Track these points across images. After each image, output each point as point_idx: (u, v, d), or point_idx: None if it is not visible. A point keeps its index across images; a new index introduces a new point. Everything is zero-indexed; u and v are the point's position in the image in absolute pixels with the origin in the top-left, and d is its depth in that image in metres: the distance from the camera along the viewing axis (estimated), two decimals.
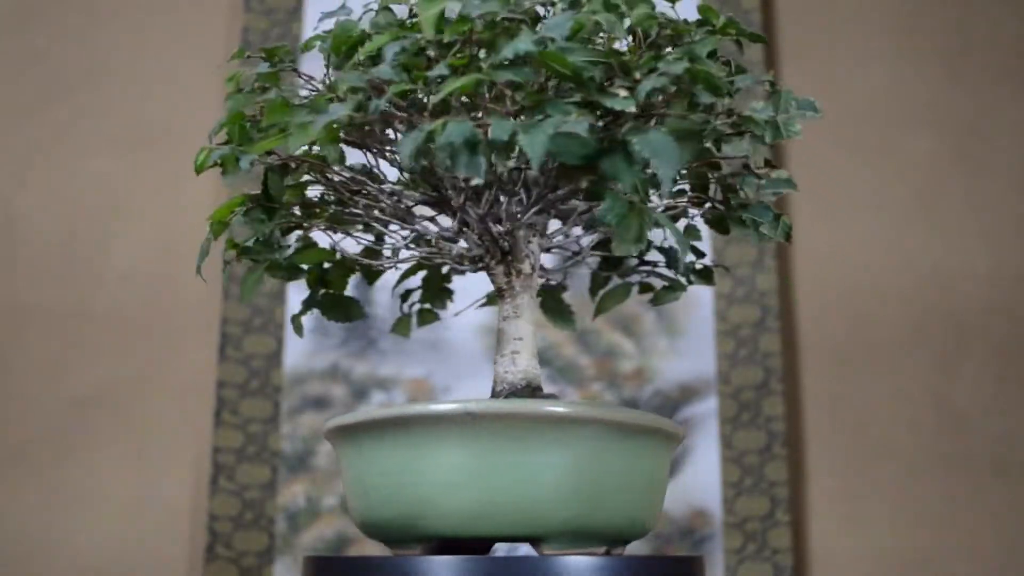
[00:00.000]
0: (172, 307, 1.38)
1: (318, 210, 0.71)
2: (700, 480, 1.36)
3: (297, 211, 0.70)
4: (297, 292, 1.38)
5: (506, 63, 0.57)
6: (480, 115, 0.60)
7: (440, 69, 0.58)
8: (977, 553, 1.38)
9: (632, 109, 0.56)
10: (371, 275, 0.77)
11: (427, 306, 0.82)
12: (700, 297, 1.42)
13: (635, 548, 1.29)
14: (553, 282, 0.78)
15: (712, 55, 0.63)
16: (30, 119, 1.44)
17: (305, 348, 1.37)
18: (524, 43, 0.57)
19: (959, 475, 1.41)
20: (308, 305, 0.76)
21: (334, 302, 0.77)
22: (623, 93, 0.56)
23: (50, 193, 1.41)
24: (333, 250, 0.74)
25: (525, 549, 0.60)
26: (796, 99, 0.66)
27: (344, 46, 0.65)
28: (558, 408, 0.59)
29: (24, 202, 1.41)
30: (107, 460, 1.33)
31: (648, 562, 0.63)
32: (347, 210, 0.70)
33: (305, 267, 0.75)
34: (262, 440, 1.33)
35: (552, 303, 0.80)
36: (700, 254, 0.75)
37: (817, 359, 1.44)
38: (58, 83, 1.45)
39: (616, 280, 0.79)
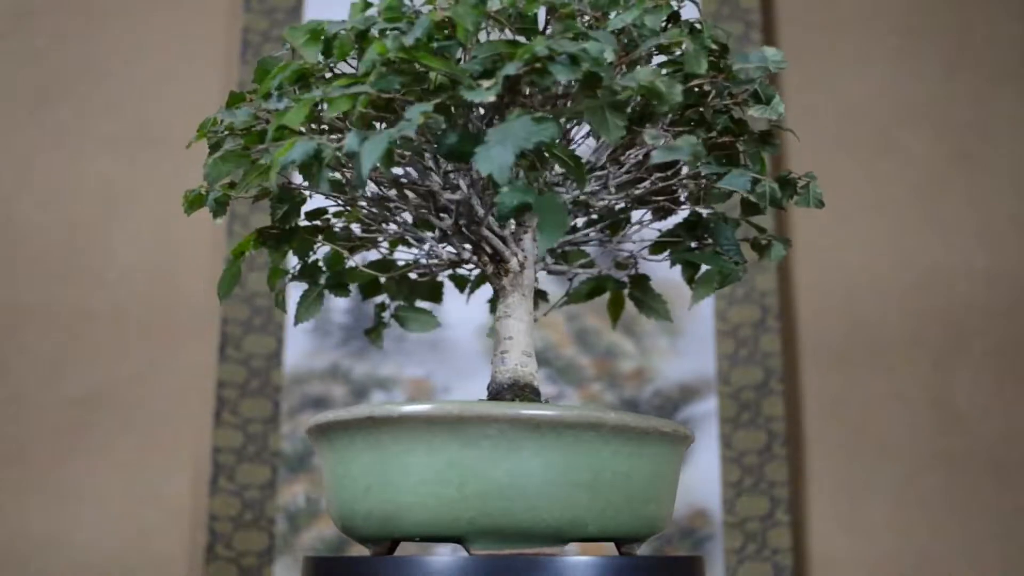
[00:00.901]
0: (172, 307, 1.38)
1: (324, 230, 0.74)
2: (700, 480, 1.36)
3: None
4: (297, 292, 1.38)
5: (381, 73, 0.59)
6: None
7: (325, 90, 0.59)
8: (977, 553, 1.38)
9: (491, 99, 0.56)
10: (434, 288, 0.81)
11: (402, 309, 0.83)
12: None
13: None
14: (630, 272, 0.78)
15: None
16: (30, 119, 1.44)
17: (305, 348, 1.37)
18: (372, 54, 0.59)
19: (959, 475, 1.41)
20: (378, 321, 0.82)
21: (411, 313, 0.81)
22: (485, 85, 0.57)
23: (50, 193, 1.41)
24: (386, 265, 0.78)
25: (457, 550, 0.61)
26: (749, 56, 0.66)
27: (262, 82, 0.67)
28: (507, 411, 0.59)
29: (24, 202, 1.41)
30: (107, 460, 1.33)
31: (648, 562, 0.63)
32: (349, 225, 0.73)
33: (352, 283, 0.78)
34: (262, 440, 1.33)
35: (641, 294, 0.78)
36: (760, 229, 0.73)
37: (817, 359, 1.44)
38: (58, 83, 1.45)
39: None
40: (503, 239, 0.68)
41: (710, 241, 0.72)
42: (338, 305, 1.38)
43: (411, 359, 1.37)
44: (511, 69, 0.56)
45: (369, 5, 0.67)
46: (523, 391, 0.66)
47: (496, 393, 0.67)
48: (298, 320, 0.77)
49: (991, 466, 1.41)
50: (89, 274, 1.39)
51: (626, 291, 0.80)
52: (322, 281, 0.76)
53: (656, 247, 0.75)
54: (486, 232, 0.67)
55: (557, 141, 0.59)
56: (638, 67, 0.63)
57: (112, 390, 1.35)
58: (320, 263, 0.76)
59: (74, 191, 1.41)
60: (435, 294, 0.82)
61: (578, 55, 0.56)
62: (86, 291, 1.38)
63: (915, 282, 1.47)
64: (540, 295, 0.82)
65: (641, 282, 0.79)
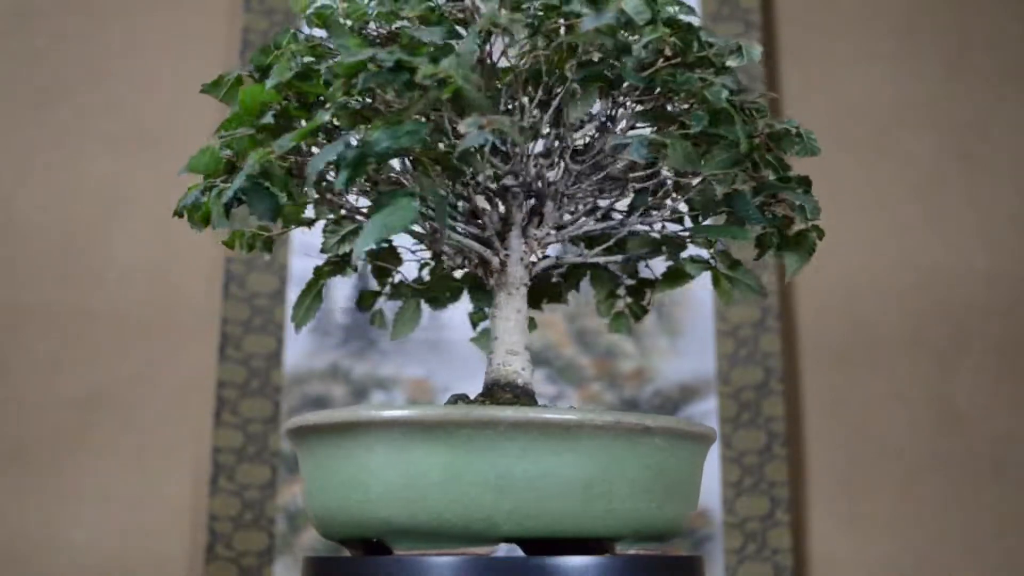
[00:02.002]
0: (172, 307, 1.38)
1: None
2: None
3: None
4: (297, 292, 1.38)
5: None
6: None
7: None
8: (977, 553, 1.38)
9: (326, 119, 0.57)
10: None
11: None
12: (700, 297, 1.42)
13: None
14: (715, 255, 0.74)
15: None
16: (30, 119, 1.44)
17: (305, 348, 1.37)
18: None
19: (959, 475, 1.41)
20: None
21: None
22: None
23: (50, 193, 1.41)
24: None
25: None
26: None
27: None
28: (465, 413, 0.59)
29: (24, 202, 1.41)
30: (107, 460, 1.33)
31: (648, 562, 0.63)
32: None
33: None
34: (262, 440, 1.33)
35: (730, 271, 0.75)
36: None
37: (817, 359, 1.44)
38: (58, 83, 1.45)
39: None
40: (482, 239, 0.68)
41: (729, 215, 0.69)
42: (338, 305, 1.38)
43: (411, 359, 1.37)
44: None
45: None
46: (503, 391, 0.66)
47: (481, 393, 0.67)
48: (395, 336, 0.79)
49: (991, 466, 1.41)
50: (89, 274, 1.39)
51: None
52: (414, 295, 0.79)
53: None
54: (457, 236, 0.68)
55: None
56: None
57: (112, 390, 1.35)
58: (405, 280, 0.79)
59: (74, 191, 1.41)
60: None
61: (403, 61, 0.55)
62: (86, 291, 1.38)
63: (915, 282, 1.47)
64: (550, 290, 0.81)
65: (725, 258, 0.75)
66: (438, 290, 0.80)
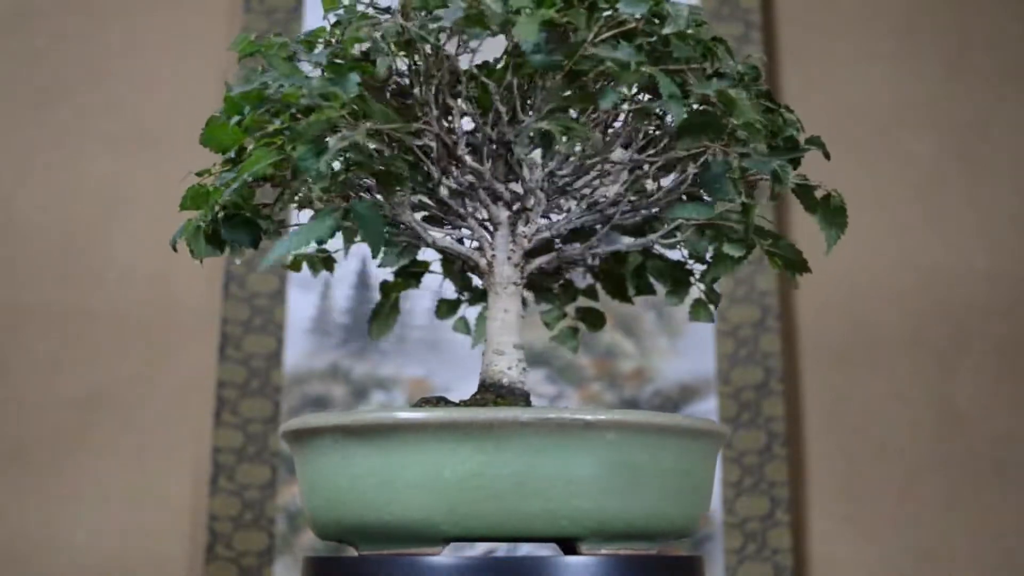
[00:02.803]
0: (172, 307, 1.38)
1: None
2: None
3: None
4: (297, 292, 1.38)
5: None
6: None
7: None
8: (977, 553, 1.38)
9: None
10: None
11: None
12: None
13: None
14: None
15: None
16: (30, 119, 1.44)
17: (305, 348, 1.37)
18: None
19: (959, 475, 1.41)
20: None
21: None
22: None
23: (50, 193, 1.41)
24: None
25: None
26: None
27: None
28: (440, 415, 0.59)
29: (24, 202, 1.41)
30: (107, 460, 1.33)
31: (648, 562, 0.63)
32: None
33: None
34: (262, 440, 1.33)
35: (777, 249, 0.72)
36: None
37: (817, 359, 1.44)
38: (58, 83, 1.45)
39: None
40: (470, 239, 0.68)
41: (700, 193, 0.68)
42: (338, 305, 1.38)
43: (411, 359, 1.37)
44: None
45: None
46: (487, 392, 0.67)
47: (474, 393, 0.67)
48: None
49: (992, 466, 1.41)
50: (89, 274, 1.39)
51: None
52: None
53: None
54: (442, 240, 0.68)
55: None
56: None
57: (112, 390, 1.35)
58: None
59: (74, 191, 1.41)
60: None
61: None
62: (86, 291, 1.38)
63: (915, 282, 1.47)
64: (547, 286, 0.81)
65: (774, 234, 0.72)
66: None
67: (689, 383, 1.40)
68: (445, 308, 0.82)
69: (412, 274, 0.80)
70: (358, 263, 1.39)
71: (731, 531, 1.34)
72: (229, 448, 1.32)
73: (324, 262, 0.76)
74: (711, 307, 0.75)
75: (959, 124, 1.54)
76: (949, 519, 1.39)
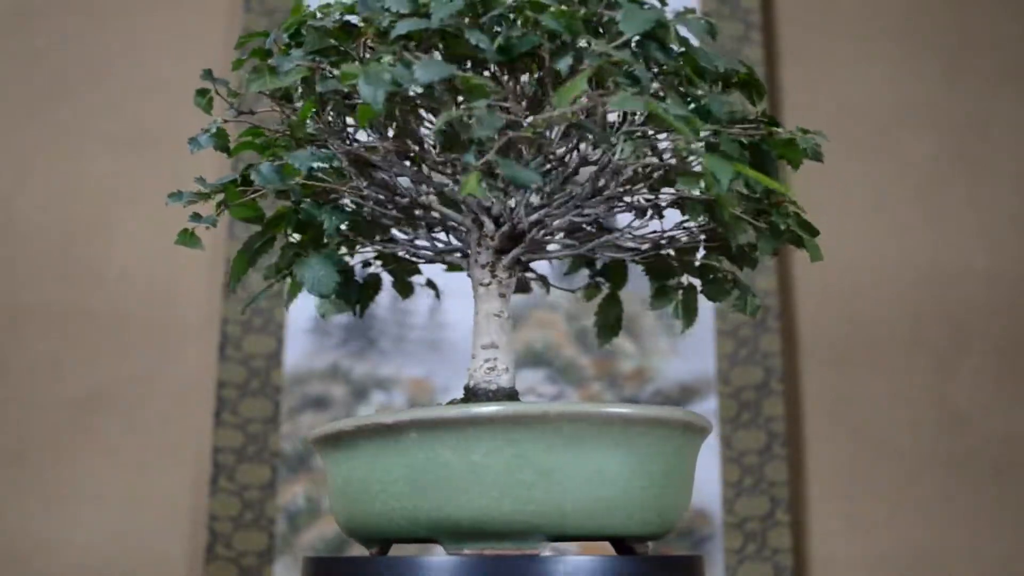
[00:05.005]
0: (172, 307, 1.38)
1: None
2: (700, 480, 1.36)
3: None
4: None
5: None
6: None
7: None
8: (977, 553, 1.38)
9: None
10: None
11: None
12: (699, 297, 1.41)
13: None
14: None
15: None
16: (30, 119, 1.44)
17: (305, 348, 1.37)
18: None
19: (959, 475, 1.41)
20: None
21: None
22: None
23: (50, 193, 1.41)
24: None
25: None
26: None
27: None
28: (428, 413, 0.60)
29: (24, 202, 1.41)
30: (107, 460, 1.33)
31: (648, 562, 0.63)
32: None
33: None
34: (262, 440, 1.33)
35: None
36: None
37: (817, 359, 1.44)
38: (58, 83, 1.45)
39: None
40: (467, 240, 0.69)
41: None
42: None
43: (411, 359, 1.37)
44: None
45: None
46: (472, 393, 0.67)
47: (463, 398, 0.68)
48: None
49: (991, 466, 1.41)
50: (89, 274, 1.39)
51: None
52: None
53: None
54: (424, 252, 0.69)
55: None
56: None
57: (112, 390, 1.35)
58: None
59: (74, 191, 1.41)
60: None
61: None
62: (86, 291, 1.38)
63: (915, 282, 1.47)
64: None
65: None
66: None
67: (689, 383, 1.40)
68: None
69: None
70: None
71: (731, 531, 1.34)
72: (229, 448, 1.32)
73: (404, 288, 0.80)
74: (754, 299, 0.73)
75: (959, 124, 1.54)
76: (949, 519, 1.39)
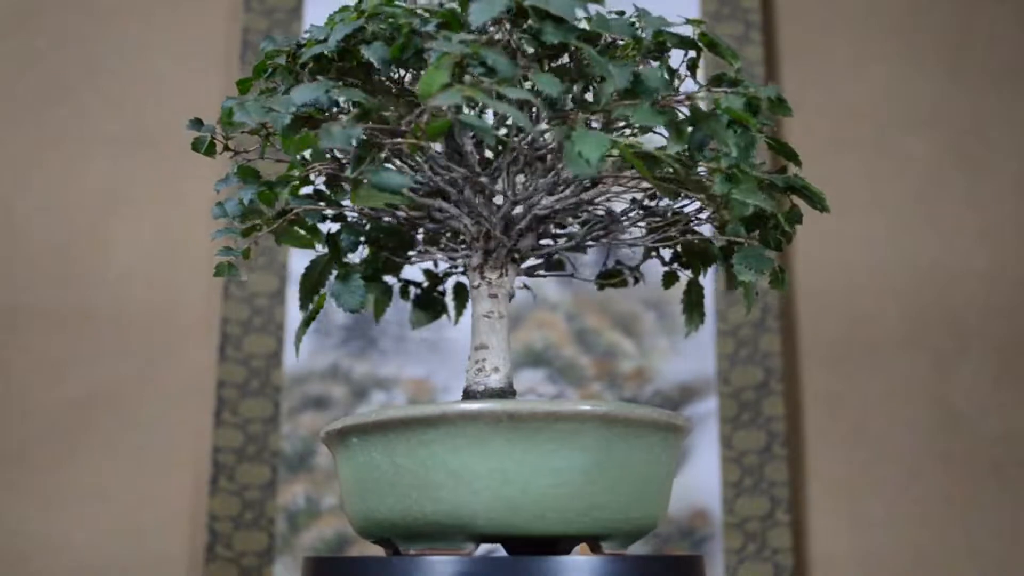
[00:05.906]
0: (172, 307, 1.39)
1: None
2: (700, 480, 1.36)
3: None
4: (297, 292, 1.38)
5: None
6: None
7: None
8: (977, 553, 1.38)
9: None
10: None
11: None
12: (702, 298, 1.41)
13: (634, 548, 1.30)
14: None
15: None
16: (30, 119, 1.44)
17: (305, 348, 1.37)
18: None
19: (959, 475, 1.41)
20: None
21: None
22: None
23: (50, 193, 1.41)
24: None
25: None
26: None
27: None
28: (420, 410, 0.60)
29: (24, 202, 1.41)
30: (107, 460, 1.33)
31: (648, 562, 0.63)
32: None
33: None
34: (262, 440, 1.33)
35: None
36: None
37: (817, 359, 1.44)
38: (58, 83, 1.45)
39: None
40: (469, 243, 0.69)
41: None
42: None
43: (412, 359, 1.37)
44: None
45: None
46: (465, 394, 0.68)
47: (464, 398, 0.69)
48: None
49: (991, 466, 1.41)
50: (89, 274, 1.39)
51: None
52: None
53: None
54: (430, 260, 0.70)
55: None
56: None
57: (112, 390, 1.35)
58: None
59: (74, 191, 1.41)
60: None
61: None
62: (86, 291, 1.38)
63: (915, 282, 1.47)
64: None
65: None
66: None
67: (689, 383, 1.40)
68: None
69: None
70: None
71: (731, 531, 1.34)
72: (229, 448, 1.32)
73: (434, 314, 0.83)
74: (784, 274, 0.72)
75: (959, 124, 1.54)
76: (949, 519, 1.39)
